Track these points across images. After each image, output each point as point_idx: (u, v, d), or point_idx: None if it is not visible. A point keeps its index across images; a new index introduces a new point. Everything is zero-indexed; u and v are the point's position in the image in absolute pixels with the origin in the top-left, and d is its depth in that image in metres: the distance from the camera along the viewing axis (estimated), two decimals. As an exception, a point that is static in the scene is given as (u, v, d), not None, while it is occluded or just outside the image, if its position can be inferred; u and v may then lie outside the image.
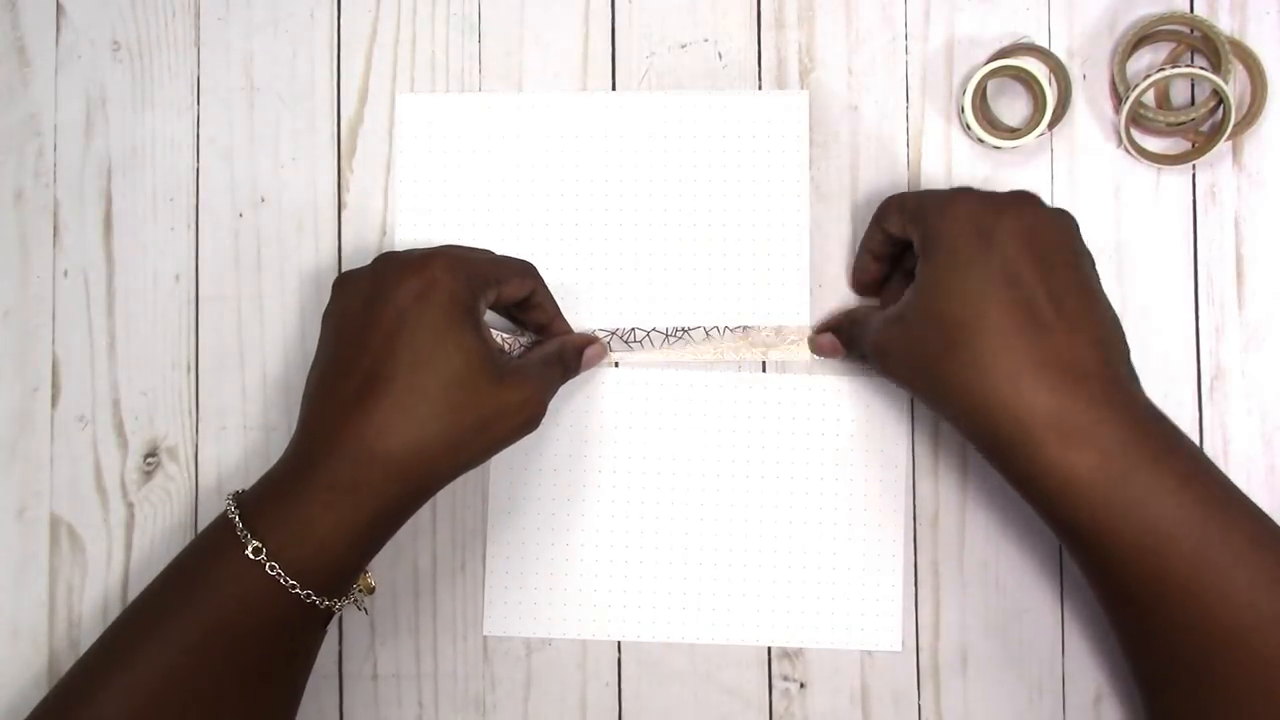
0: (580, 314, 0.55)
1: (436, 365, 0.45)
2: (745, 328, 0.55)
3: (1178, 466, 0.44)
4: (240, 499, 0.46)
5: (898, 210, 0.50)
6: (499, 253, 0.53)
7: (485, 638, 0.54)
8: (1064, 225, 0.47)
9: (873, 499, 0.54)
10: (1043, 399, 0.44)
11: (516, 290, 0.51)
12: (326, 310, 0.49)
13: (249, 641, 0.45)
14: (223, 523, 0.46)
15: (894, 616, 0.54)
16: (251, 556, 0.44)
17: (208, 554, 0.46)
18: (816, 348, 0.54)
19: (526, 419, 0.48)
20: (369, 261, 0.49)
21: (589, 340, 0.54)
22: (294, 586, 0.44)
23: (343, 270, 0.52)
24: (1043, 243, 0.46)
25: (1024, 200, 0.47)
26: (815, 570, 0.54)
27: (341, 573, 0.46)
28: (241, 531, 0.44)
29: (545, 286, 0.53)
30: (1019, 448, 0.44)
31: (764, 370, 0.55)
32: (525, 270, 0.52)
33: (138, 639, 0.45)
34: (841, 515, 0.54)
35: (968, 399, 0.45)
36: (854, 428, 0.54)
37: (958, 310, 0.45)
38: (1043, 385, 0.44)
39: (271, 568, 0.44)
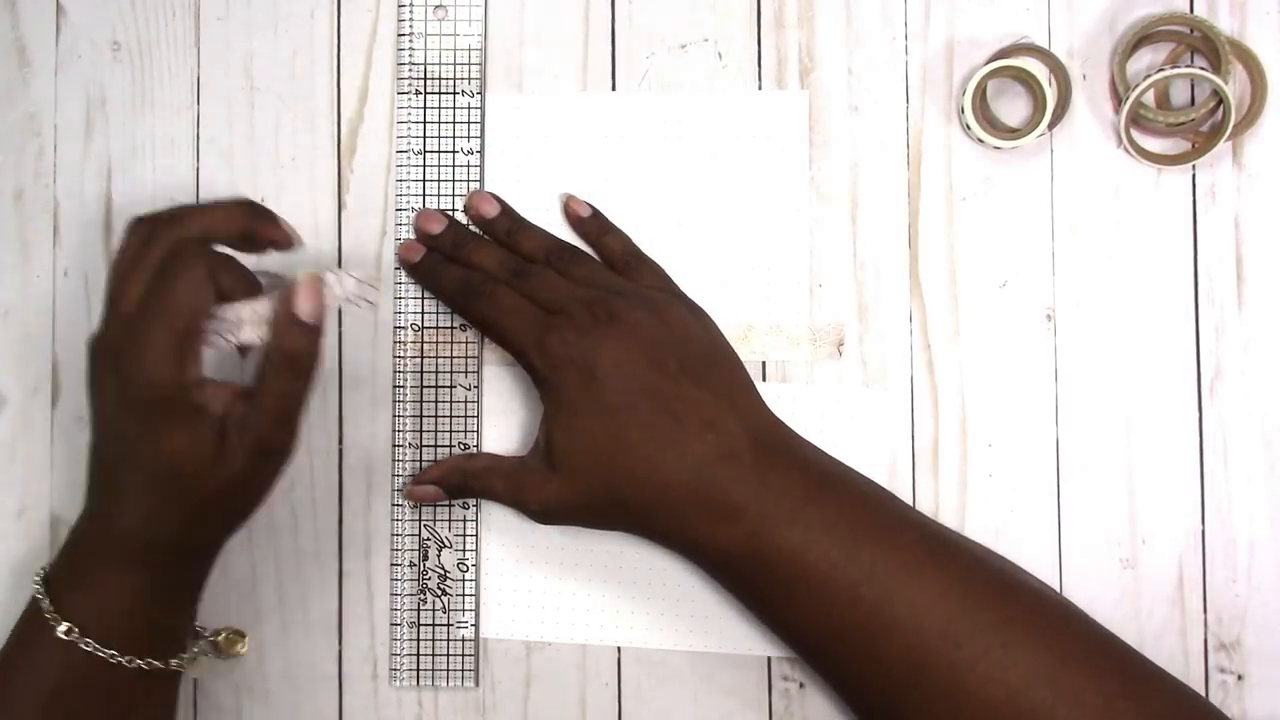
0: (580, 314, 0.55)
1: (145, 461, 0.44)
2: (745, 328, 0.55)
3: (824, 514, 0.47)
4: (46, 575, 0.47)
5: (499, 337, 0.50)
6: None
7: (485, 639, 0.54)
8: (660, 323, 0.49)
9: None
10: (693, 488, 0.47)
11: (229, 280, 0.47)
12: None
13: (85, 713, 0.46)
14: (33, 607, 0.46)
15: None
16: (64, 637, 0.45)
17: (19, 645, 0.47)
18: (413, 496, 0.53)
19: (262, 477, 0.46)
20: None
21: (288, 295, 0.45)
22: (112, 655, 0.45)
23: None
24: (645, 354, 0.48)
25: (615, 317, 0.48)
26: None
27: (157, 632, 0.47)
28: (50, 614, 0.45)
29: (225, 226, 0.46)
30: (677, 537, 0.48)
31: (763, 370, 0.55)
32: (197, 267, 0.45)
33: None
34: None
35: (628, 507, 0.48)
36: (853, 437, 0.54)
37: (601, 443, 0.48)
38: (689, 476, 0.47)
39: (85, 643, 0.45)
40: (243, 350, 0.49)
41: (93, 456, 0.47)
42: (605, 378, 0.48)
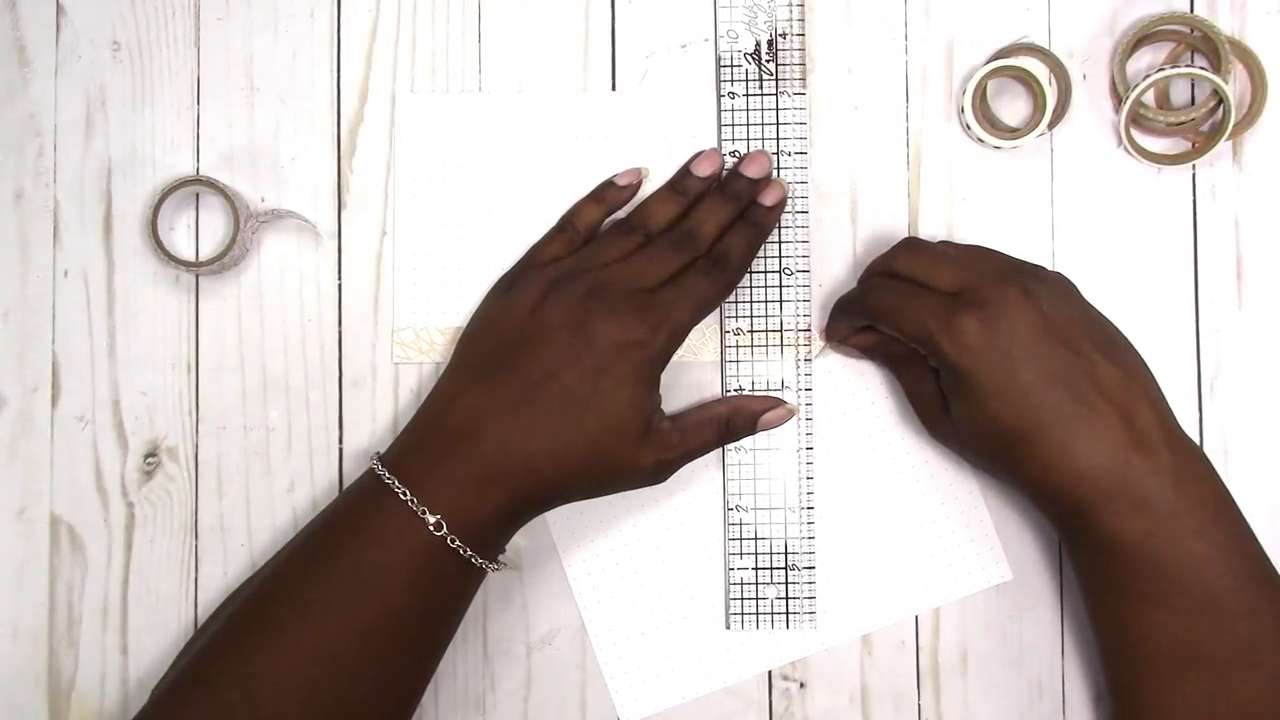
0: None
1: (602, 411, 0.48)
2: (747, 330, 0.55)
3: (1227, 536, 0.46)
4: (388, 463, 0.48)
5: (899, 324, 0.49)
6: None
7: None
8: (1068, 300, 0.48)
9: (932, 453, 0.54)
10: (1103, 478, 0.46)
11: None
12: (520, 290, 0.51)
13: (418, 600, 0.47)
14: (378, 487, 0.48)
15: (995, 549, 0.54)
16: (433, 530, 0.46)
17: (368, 517, 0.48)
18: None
19: (651, 479, 0.50)
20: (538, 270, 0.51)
21: (770, 404, 0.53)
22: (465, 551, 0.47)
23: (536, 257, 0.53)
24: (1060, 333, 0.47)
25: (1024, 295, 0.47)
26: (914, 534, 0.54)
27: (489, 543, 0.49)
28: (419, 507, 0.47)
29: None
30: (1079, 518, 0.46)
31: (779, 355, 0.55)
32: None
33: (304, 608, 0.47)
34: (908, 475, 0.54)
35: (1032, 485, 0.48)
36: (892, 399, 0.55)
37: (1007, 424, 0.47)
38: (1102, 464, 0.46)
39: (452, 540, 0.47)
40: None
41: (483, 368, 0.49)
42: (1021, 361, 0.46)
